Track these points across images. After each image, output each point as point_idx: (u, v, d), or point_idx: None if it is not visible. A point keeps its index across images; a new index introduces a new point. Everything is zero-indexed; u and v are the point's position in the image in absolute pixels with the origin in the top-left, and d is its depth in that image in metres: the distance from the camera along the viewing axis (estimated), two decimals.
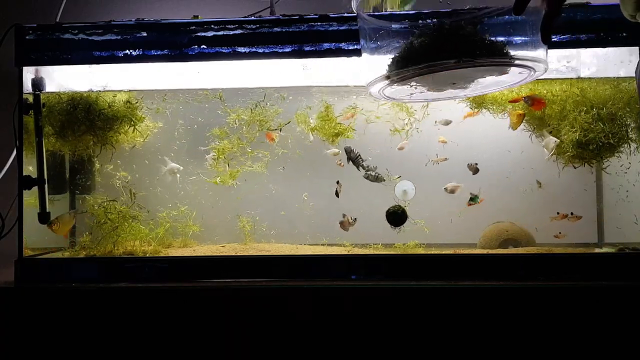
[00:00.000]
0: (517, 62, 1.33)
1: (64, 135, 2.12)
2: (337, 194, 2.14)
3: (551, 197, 2.18)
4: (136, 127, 2.18)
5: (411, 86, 1.48)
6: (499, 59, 1.32)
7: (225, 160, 2.22)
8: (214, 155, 2.21)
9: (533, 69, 1.36)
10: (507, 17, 1.35)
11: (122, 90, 2.15)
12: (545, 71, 1.38)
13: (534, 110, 2.07)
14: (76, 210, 2.24)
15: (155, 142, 2.30)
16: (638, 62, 1.34)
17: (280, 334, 1.73)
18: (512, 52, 1.30)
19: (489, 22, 1.34)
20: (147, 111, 2.21)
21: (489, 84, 1.50)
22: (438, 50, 1.32)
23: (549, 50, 1.90)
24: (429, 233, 2.15)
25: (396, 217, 2.10)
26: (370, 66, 1.46)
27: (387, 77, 1.39)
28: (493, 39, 1.30)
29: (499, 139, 2.19)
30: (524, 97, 2.07)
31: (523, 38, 1.33)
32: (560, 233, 2.11)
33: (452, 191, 2.15)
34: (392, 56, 1.38)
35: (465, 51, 1.30)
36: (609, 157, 2.04)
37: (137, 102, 2.17)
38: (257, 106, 2.18)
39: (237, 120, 2.19)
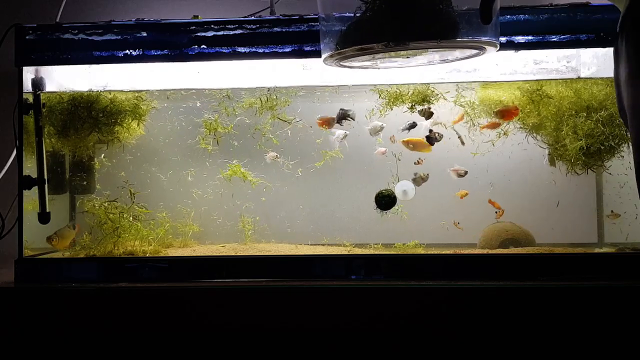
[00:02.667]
0: (444, 44, 1.33)
1: (66, 135, 2.12)
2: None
3: (550, 197, 2.18)
4: (140, 120, 2.18)
5: (362, 61, 1.50)
6: (427, 42, 1.31)
7: (216, 137, 2.20)
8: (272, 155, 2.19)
9: (482, 48, 1.35)
10: None
11: (122, 90, 2.15)
12: (496, 49, 1.37)
13: (506, 121, 2.09)
14: (74, 222, 2.23)
15: (156, 141, 2.30)
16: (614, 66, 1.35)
17: (280, 334, 1.73)
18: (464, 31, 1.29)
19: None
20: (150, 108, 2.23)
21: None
22: (368, 32, 1.31)
23: (550, 51, 1.92)
24: (428, 233, 2.15)
25: (389, 200, 2.10)
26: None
27: (331, 56, 1.41)
28: (430, 18, 1.30)
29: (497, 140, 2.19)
30: (494, 112, 2.08)
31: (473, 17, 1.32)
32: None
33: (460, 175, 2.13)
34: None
35: (396, 33, 1.28)
36: (610, 159, 2.04)
37: (146, 100, 2.19)
38: (267, 100, 2.16)
39: (250, 106, 2.17)
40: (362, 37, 1.33)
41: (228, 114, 2.18)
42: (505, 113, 2.06)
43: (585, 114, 1.99)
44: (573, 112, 2.01)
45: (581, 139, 1.98)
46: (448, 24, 1.32)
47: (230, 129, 2.19)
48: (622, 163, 2.04)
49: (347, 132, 2.16)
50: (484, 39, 1.36)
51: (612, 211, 2.14)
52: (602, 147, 1.97)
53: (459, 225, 2.16)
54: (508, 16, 1.80)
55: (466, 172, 2.13)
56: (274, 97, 2.15)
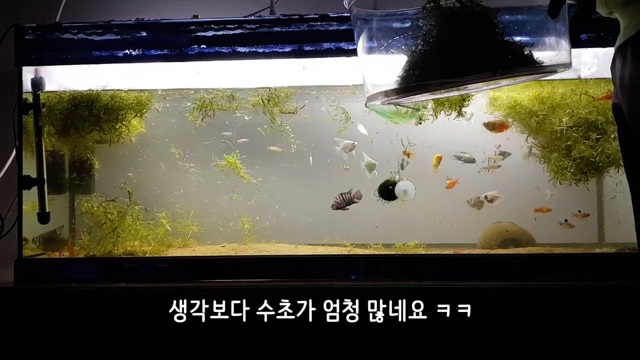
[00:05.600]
0: (553, 69, 1.18)
1: (66, 135, 2.12)
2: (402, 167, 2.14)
3: (552, 198, 2.18)
4: (142, 115, 2.18)
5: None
6: (536, 68, 1.16)
7: (204, 114, 2.18)
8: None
9: (556, 71, 1.24)
10: (525, 16, 1.23)
11: (121, 90, 2.15)
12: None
13: (496, 132, 2.13)
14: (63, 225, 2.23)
15: (156, 141, 2.30)
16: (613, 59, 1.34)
17: (280, 334, 1.73)
18: (536, 54, 1.16)
19: (509, 21, 1.19)
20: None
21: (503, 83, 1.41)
22: (468, 60, 1.12)
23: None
24: (429, 233, 2.15)
25: (394, 191, 2.11)
26: (371, 74, 1.33)
27: (399, 91, 1.20)
28: (518, 42, 1.15)
29: (497, 140, 2.19)
30: (483, 123, 2.12)
31: (546, 38, 1.21)
32: None
33: (491, 200, 2.16)
34: (403, 64, 1.19)
35: (499, 61, 1.12)
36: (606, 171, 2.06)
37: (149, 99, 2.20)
38: (269, 100, 2.16)
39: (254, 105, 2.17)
40: (455, 66, 1.12)
41: (233, 110, 2.18)
42: (495, 125, 2.12)
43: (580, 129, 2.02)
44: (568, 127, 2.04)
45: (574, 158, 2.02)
46: (521, 49, 1.16)
47: (223, 107, 2.18)
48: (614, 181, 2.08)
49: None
50: (571, 59, 1.22)
51: (565, 220, 2.15)
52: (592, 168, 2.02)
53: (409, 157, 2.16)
54: (507, 17, 1.80)
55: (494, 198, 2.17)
56: (276, 96, 2.14)
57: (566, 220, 2.14)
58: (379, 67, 1.33)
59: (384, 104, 1.42)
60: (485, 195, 2.16)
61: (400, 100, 1.42)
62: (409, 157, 2.14)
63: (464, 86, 1.36)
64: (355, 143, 2.17)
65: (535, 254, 1.94)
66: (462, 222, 2.19)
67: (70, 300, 1.79)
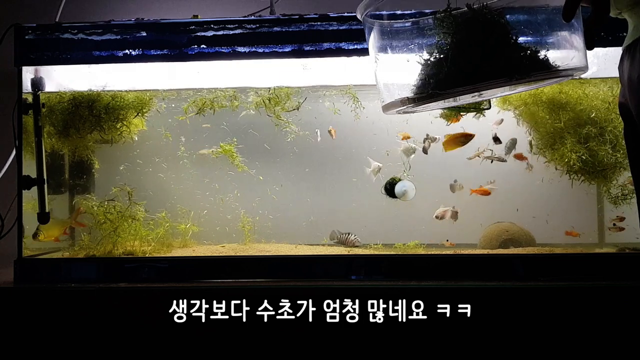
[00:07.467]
0: (569, 73, 1.18)
1: (66, 135, 2.12)
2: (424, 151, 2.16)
3: (551, 197, 2.18)
4: (142, 113, 2.17)
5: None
6: (553, 72, 1.16)
7: (201, 111, 2.18)
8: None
9: (573, 75, 1.24)
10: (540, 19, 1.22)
11: (121, 90, 2.15)
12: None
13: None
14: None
15: (157, 141, 2.30)
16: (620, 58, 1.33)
17: (279, 334, 1.73)
18: (552, 58, 1.16)
19: (524, 26, 1.19)
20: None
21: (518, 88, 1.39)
22: (484, 67, 1.12)
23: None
24: (429, 233, 2.16)
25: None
26: (386, 84, 1.32)
27: (414, 100, 1.20)
28: (533, 47, 1.16)
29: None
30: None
31: (562, 42, 1.21)
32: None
33: (442, 217, 2.17)
34: (418, 73, 1.19)
35: (515, 66, 1.12)
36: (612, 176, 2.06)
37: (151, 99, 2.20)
38: (270, 100, 2.16)
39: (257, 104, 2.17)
40: (474, 73, 1.11)
41: (233, 109, 2.18)
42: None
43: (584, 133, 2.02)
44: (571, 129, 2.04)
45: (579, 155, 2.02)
46: (537, 54, 1.17)
47: (224, 105, 2.18)
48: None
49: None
50: (587, 63, 1.21)
51: (617, 217, 2.13)
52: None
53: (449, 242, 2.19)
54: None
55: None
56: (276, 95, 2.14)
57: (614, 225, 2.14)
58: (394, 76, 1.33)
59: (399, 113, 1.41)
60: (436, 215, 2.17)
61: (416, 109, 1.42)
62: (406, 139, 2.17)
63: (480, 93, 1.36)
64: (381, 165, 2.19)
65: (535, 254, 1.94)
66: (463, 222, 2.19)
67: (70, 300, 1.79)
